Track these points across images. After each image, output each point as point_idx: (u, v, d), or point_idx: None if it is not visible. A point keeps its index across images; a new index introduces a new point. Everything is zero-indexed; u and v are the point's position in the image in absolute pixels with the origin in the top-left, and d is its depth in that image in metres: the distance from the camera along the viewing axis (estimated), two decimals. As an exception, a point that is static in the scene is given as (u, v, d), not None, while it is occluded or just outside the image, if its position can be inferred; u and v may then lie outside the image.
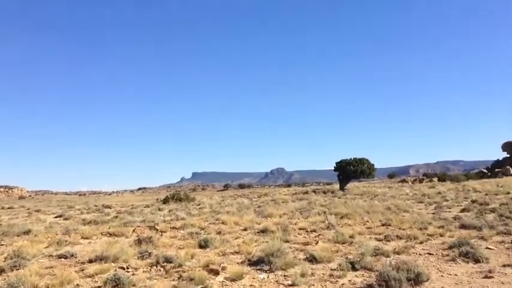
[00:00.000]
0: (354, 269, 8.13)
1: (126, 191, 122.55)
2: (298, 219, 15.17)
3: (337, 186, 56.95)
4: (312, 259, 8.81)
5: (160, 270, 7.27)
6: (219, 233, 11.99)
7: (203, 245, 9.98)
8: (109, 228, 12.38)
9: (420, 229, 12.06)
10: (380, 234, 11.96)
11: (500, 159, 68.97)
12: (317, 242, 10.61)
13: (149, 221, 14.22)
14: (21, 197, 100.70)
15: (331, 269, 8.16)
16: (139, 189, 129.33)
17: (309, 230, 12.53)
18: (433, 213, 16.61)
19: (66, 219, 22.27)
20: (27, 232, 11.52)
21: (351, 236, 11.25)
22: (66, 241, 10.16)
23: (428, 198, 25.61)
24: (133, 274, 6.96)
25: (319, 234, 11.89)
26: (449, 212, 17.33)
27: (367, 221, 14.17)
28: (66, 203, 68.61)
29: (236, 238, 11.30)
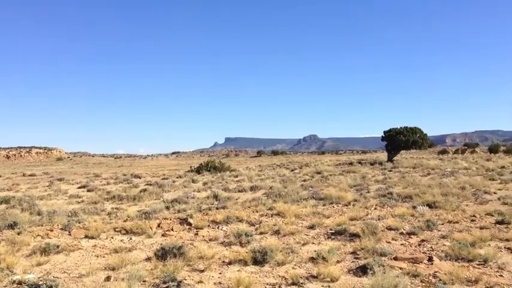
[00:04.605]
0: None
1: (160, 154, 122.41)
2: (375, 208, 11.46)
3: (382, 156, 53.08)
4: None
5: None
6: (276, 232, 8.47)
7: (259, 259, 6.50)
8: (125, 220, 9.07)
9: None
10: (508, 240, 8.19)
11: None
12: (430, 258, 6.96)
13: (180, 208, 10.77)
14: (59, 159, 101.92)
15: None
16: (174, 153, 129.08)
17: (403, 231, 8.78)
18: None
19: (89, 190, 19.62)
20: (13, 225, 8.25)
21: (472, 244, 7.50)
22: (57, 246, 6.81)
23: (500, 175, 20.95)
24: None
25: (423, 240, 8.18)
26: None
27: (474, 216, 10.30)
28: (101, 165, 67.89)
29: (304, 244, 7.72)
